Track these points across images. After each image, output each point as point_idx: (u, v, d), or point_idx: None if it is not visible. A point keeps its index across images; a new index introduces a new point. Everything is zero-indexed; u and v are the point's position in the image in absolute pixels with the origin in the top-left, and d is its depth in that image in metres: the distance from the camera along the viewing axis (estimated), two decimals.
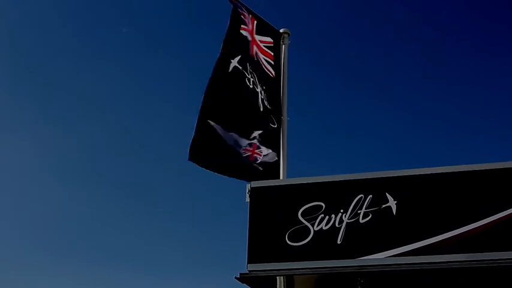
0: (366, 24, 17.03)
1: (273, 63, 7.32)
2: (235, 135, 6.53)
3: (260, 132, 6.66)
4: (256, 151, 6.62)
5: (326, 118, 17.55)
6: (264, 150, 6.65)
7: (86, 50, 18.72)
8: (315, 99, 17.17)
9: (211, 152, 6.39)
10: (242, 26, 6.91)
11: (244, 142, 6.58)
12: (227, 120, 6.49)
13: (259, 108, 6.73)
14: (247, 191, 5.76)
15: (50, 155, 19.87)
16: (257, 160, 6.62)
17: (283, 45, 7.54)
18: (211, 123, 6.36)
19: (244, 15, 6.98)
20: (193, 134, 6.28)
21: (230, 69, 6.60)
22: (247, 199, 5.73)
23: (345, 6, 16.78)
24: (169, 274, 18.62)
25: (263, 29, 7.36)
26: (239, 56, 6.71)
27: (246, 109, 6.64)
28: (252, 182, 5.82)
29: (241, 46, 6.83)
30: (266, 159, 6.65)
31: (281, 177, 6.72)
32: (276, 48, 7.44)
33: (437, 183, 5.33)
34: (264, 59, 7.22)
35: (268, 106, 6.89)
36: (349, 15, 16.84)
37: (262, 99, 6.80)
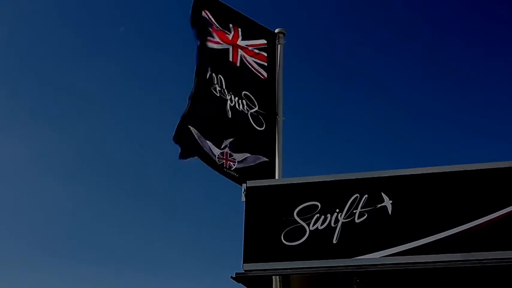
0: (365, 23, 17.01)
1: (266, 64, 7.33)
2: (209, 144, 6.66)
3: (231, 140, 6.76)
4: (229, 159, 6.71)
5: (323, 118, 17.54)
6: (238, 157, 6.72)
7: (83, 49, 18.71)
8: (312, 98, 17.15)
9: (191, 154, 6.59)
10: (209, 38, 6.97)
11: (217, 151, 6.68)
12: (203, 128, 6.65)
13: (227, 115, 6.80)
14: (242, 190, 5.77)
15: (48, 154, 19.86)
16: (231, 167, 6.69)
17: (279, 45, 7.51)
18: (192, 129, 6.56)
19: (213, 28, 7.03)
20: (172, 134, 6.49)
21: (207, 76, 6.78)
22: (243, 198, 5.74)
23: (344, 5, 16.77)
24: (168, 274, 18.63)
25: (253, 32, 7.38)
26: (210, 66, 6.82)
27: (215, 118, 6.78)
28: (248, 182, 5.83)
29: (212, 56, 6.94)
30: (244, 164, 6.74)
31: (276, 177, 6.72)
32: (270, 49, 7.43)
33: (433, 183, 5.33)
34: (255, 61, 7.25)
35: (245, 110, 6.95)
36: (348, 14, 16.83)
37: (233, 106, 6.87)
